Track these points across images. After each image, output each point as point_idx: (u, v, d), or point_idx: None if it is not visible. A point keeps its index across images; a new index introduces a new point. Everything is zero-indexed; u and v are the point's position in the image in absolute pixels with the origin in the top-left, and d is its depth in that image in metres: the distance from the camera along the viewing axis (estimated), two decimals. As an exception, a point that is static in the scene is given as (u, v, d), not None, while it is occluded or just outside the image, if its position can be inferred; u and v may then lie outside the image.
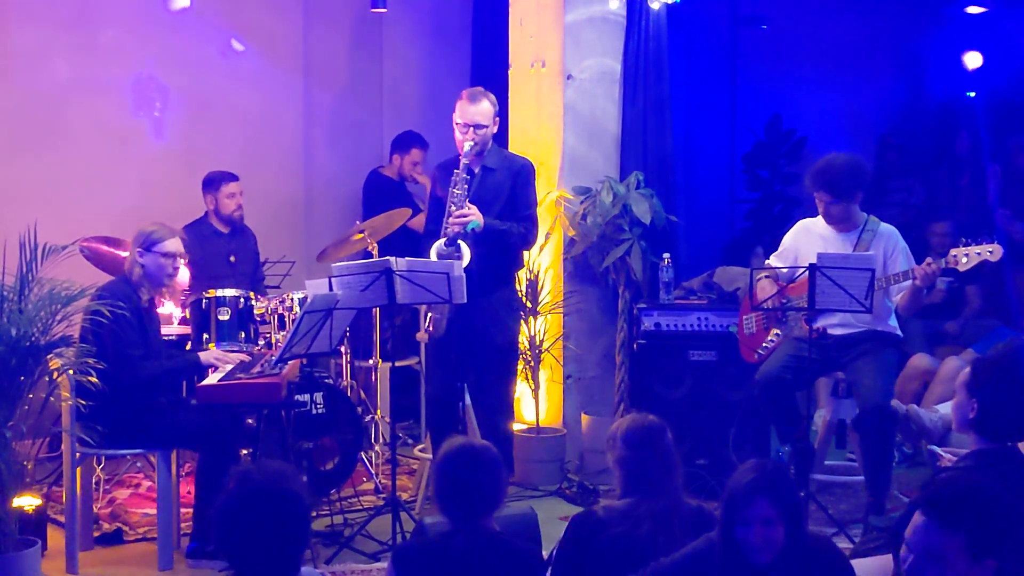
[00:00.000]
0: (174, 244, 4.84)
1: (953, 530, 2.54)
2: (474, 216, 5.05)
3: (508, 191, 5.29)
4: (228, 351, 5.15)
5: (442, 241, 5.07)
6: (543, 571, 3.29)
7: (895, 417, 5.10)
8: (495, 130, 5.34)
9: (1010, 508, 2.61)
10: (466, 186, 5.09)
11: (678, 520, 3.32)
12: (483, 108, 5.22)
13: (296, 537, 2.79)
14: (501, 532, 3.26)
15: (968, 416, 3.42)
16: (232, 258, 6.24)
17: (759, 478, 2.98)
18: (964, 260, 4.75)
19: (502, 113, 6.49)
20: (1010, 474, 3.31)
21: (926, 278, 4.82)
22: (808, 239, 5.20)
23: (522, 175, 5.35)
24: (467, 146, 5.11)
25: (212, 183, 6.21)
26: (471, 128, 5.18)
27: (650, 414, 3.51)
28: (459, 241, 5.03)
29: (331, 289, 4.69)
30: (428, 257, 5.05)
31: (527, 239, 5.37)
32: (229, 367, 4.90)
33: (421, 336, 5.37)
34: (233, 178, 6.23)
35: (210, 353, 5.04)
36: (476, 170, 5.26)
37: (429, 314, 5.13)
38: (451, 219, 5.06)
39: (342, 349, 6.03)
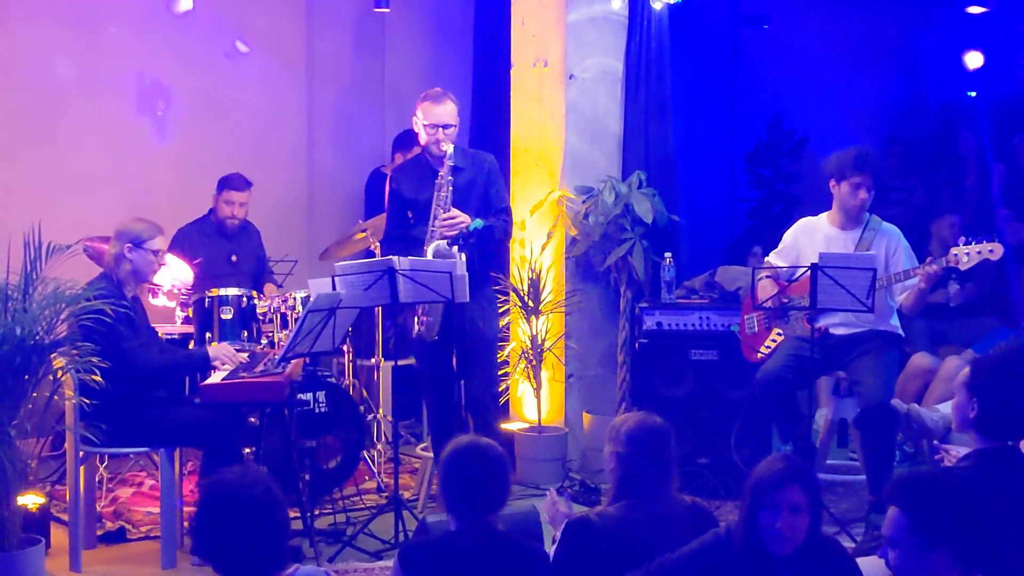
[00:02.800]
0: (161, 242, 4.92)
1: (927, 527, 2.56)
2: (465, 219, 5.05)
3: (481, 189, 5.28)
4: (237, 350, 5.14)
5: (444, 242, 5.06)
6: (548, 568, 3.30)
7: (896, 416, 5.10)
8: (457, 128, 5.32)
9: (965, 490, 2.62)
10: (451, 188, 5.08)
11: (674, 523, 3.31)
12: (449, 108, 5.17)
13: (273, 538, 2.83)
14: (506, 530, 3.27)
15: (968, 415, 3.43)
16: (234, 257, 6.24)
17: (791, 466, 3.00)
18: (965, 259, 4.75)
19: (504, 112, 6.54)
20: (1011, 473, 3.33)
21: (929, 278, 4.84)
22: (810, 238, 5.20)
23: (492, 171, 5.35)
24: (448, 147, 5.09)
25: (219, 184, 6.21)
26: (440, 128, 5.15)
27: (657, 416, 3.49)
28: (452, 247, 5.02)
29: (334, 288, 4.70)
30: (424, 256, 5.03)
31: (507, 231, 5.39)
32: (230, 367, 4.91)
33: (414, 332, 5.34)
34: (241, 186, 6.18)
35: (219, 348, 5.02)
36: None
37: (423, 317, 5.10)
38: (441, 223, 5.05)
39: (344, 348, 6.04)
